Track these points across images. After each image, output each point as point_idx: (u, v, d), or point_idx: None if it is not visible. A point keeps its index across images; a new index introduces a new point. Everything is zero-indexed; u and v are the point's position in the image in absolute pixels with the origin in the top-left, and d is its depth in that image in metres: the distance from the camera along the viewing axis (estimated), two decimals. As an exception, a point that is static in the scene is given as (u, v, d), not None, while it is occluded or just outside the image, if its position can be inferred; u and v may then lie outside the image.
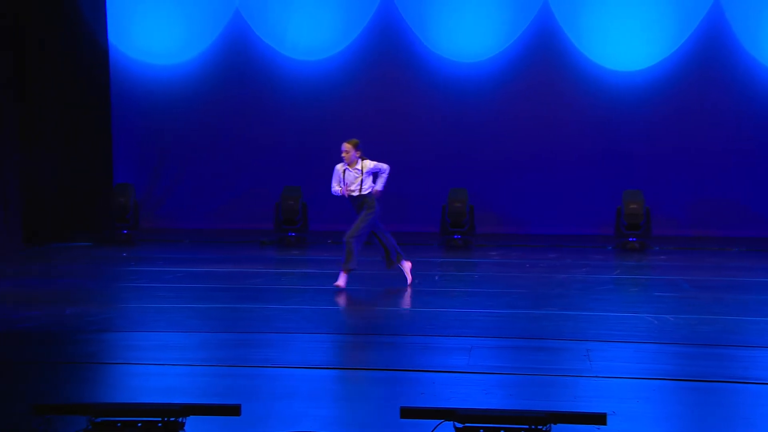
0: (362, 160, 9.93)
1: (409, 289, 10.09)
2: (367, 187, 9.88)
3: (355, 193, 9.85)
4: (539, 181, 14.48)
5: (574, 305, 9.45)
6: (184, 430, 3.96)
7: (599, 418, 4.03)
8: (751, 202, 14.22)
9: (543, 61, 14.41)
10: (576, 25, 14.28)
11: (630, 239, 13.32)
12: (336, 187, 9.97)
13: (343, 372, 7.17)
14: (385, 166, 9.96)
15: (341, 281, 9.81)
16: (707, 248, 13.35)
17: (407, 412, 4.11)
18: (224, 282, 10.65)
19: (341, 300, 9.69)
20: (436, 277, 11.41)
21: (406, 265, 10.13)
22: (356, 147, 9.91)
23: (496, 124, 14.50)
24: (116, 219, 13.71)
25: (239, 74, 14.75)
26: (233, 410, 4.07)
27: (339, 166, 9.98)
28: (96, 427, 3.92)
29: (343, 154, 9.90)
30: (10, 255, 12.26)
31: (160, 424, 3.92)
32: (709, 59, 14.13)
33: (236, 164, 14.84)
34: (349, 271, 9.83)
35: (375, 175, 9.93)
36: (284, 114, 14.73)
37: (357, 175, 9.85)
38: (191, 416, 3.96)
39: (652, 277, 11.50)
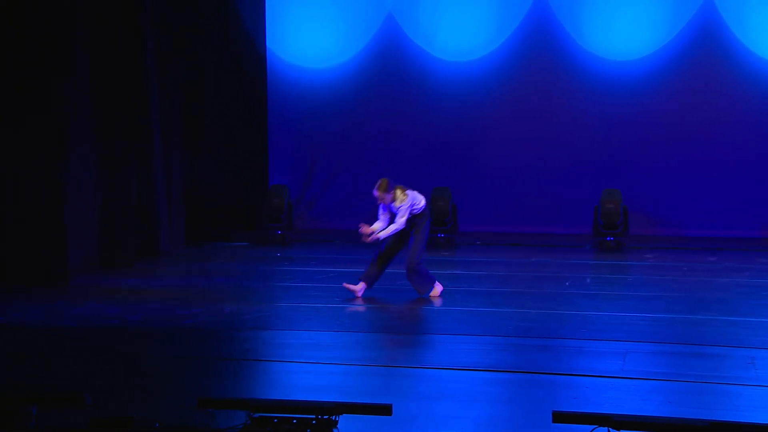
0: (401, 192, 9.59)
1: (561, 291, 9.95)
2: (408, 211, 9.56)
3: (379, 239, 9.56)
4: (698, 182, 14.04)
5: (736, 311, 9.12)
6: (337, 428, 4.01)
7: (764, 430, 3.86)
8: None
9: (705, 58, 13.99)
10: (741, 20, 13.77)
11: (795, 242, 12.75)
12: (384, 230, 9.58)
13: (494, 374, 7.12)
14: (402, 220, 9.57)
15: (435, 293, 9.70)
16: None
17: (560, 417, 4.05)
18: (377, 282, 10.73)
19: (494, 300, 9.63)
20: (588, 280, 11.23)
21: (357, 287, 9.78)
22: (388, 188, 9.61)
23: (653, 124, 14.15)
24: (271, 219, 14.05)
25: (391, 76, 14.89)
26: (385, 410, 4.10)
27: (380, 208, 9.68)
28: (254, 422, 4.02)
29: (379, 202, 9.63)
30: (174, 254, 12.75)
31: (314, 422, 3.99)
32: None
33: (386, 165, 14.93)
34: (425, 293, 9.69)
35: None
36: (434, 115, 14.77)
37: (401, 213, 9.56)
38: (344, 414, 4.01)
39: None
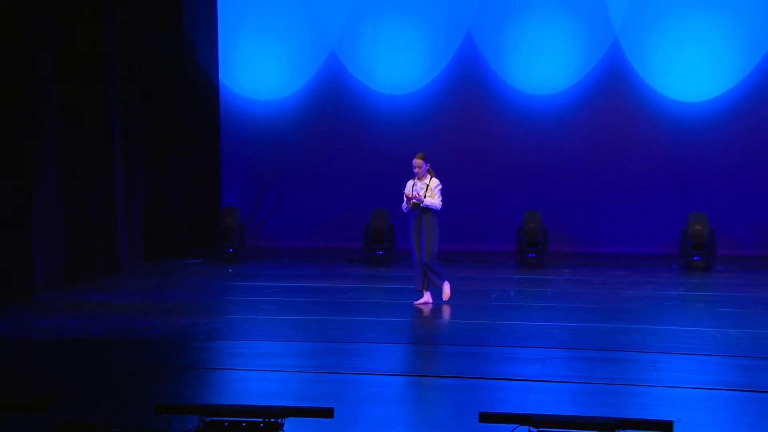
0: (431, 176, 9.75)
1: (488, 303, 10.03)
2: (440, 193, 9.66)
3: (421, 203, 9.62)
4: (609, 204, 14.29)
5: (642, 319, 9.27)
6: (283, 430, 4.01)
7: (666, 426, 3.94)
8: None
9: (614, 93, 14.25)
10: (643, 60, 14.09)
11: (695, 258, 13.02)
12: (407, 195, 9.65)
13: (428, 379, 7.15)
14: (439, 200, 9.65)
15: (445, 293, 9.79)
16: (769, 267, 12.96)
17: (486, 417, 4.09)
18: (319, 296, 10.74)
19: (425, 313, 9.68)
20: (512, 293, 11.33)
21: (424, 299, 9.81)
22: (425, 159, 9.73)
23: (570, 151, 14.37)
24: (224, 239, 13.96)
25: (334, 108, 14.94)
26: (327, 413, 4.10)
27: (410, 182, 9.79)
28: (206, 426, 4.00)
29: (416, 170, 9.69)
30: (134, 270, 12.58)
31: (262, 424, 3.98)
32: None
33: (330, 189, 14.99)
34: (439, 287, 9.79)
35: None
36: (373, 143, 14.84)
37: (423, 189, 9.74)
38: (290, 418, 4.01)
39: (716, 294, 11.21)
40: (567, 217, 14.25)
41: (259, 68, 14.97)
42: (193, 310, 9.79)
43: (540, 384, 6.83)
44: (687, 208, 13.57)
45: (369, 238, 13.84)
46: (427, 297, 9.86)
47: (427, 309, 9.73)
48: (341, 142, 14.92)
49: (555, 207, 14.17)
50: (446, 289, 9.85)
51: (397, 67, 14.69)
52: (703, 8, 13.82)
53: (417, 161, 9.71)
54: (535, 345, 8.06)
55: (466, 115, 14.66)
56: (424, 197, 9.67)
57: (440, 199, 9.69)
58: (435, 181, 9.74)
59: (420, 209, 9.72)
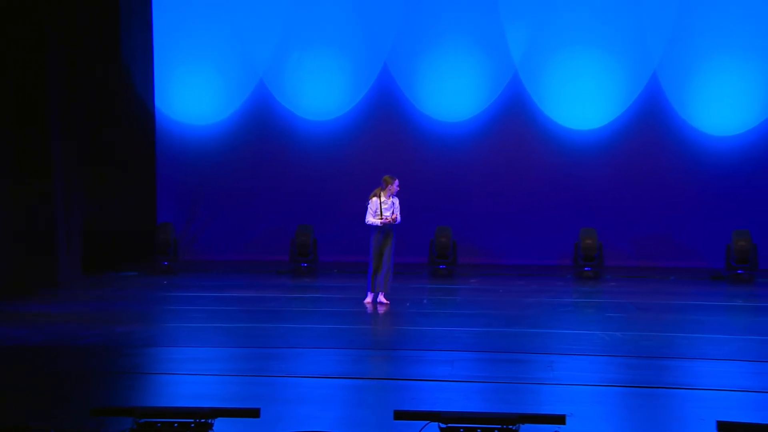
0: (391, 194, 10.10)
1: (402, 310, 10.07)
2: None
3: (396, 222, 10.03)
4: (511, 220, 14.51)
5: (540, 324, 9.43)
6: (212, 430, 3.94)
7: (559, 419, 4.01)
8: (684, 239, 14.26)
9: (514, 121, 14.48)
10: (540, 91, 14.39)
11: (586, 269, 13.32)
12: (375, 219, 9.98)
13: (347, 381, 7.14)
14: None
15: (382, 298, 10.15)
16: (649, 276, 13.33)
17: (399, 415, 4.10)
18: (247, 305, 10.63)
19: (348, 319, 9.66)
20: (425, 301, 11.39)
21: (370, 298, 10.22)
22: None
23: (476, 173, 14.54)
24: (159, 252, 13.70)
25: (262, 132, 14.84)
26: (254, 413, 4.06)
27: (375, 200, 9.98)
28: (140, 427, 3.91)
29: (396, 189, 10.07)
30: (72, 282, 12.24)
31: (192, 425, 3.91)
32: (649, 119, 14.24)
33: (259, 206, 14.87)
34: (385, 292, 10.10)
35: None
36: (299, 164, 14.78)
37: (391, 207, 9.94)
38: (219, 418, 3.95)
39: (604, 301, 11.48)
40: (474, 232, 14.41)
41: (193, 95, 14.78)
42: (130, 319, 9.58)
43: (449, 384, 6.88)
44: (579, 223, 13.87)
45: (295, 252, 13.77)
46: (382, 297, 10.12)
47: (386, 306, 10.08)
48: (269, 163, 14.83)
49: (463, 223, 14.31)
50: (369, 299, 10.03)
51: (321, 95, 14.69)
52: (592, 46, 14.18)
53: (396, 181, 10.12)
54: (445, 348, 8.12)
55: (383, 139, 14.73)
56: (392, 215, 10.09)
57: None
58: (396, 200, 10.17)
59: (390, 225, 10.08)
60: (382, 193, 10.04)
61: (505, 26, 14.26)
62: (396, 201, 10.10)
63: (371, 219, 9.96)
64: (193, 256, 14.67)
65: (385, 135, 14.69)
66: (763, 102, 13.95)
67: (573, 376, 7.13)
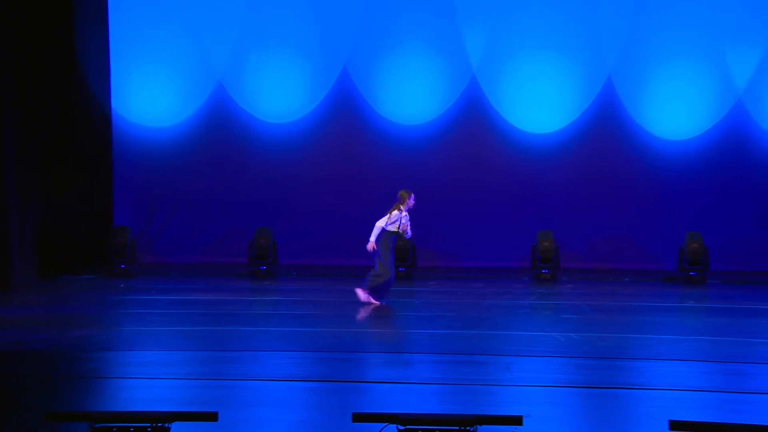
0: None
1: (363, 312, 10.08)
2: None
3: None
4: (470, 223, 14.59)
5: (498, 326, 9.50)
6: (170, 434, 3.91)
7: (516, 420, 4.06)
8: (638, 241, 14.48)
9: (472, 125, 14.58)
10: (498, 96, 14.50)
11: (543, 271, 13.45)
12: (392, 228, 10.30)
13: (306, 384, 7.12)
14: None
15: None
16: (605, 278, 13.51)
17: (358, 417, 4.10)
18: (206, 308, 10.54)
19: (306, 322, 9.64)
20: (384, 303, 11.40)
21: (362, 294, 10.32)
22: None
23: (435, 177, 14.59)
24: (116, 255, 13.53)
25: (221, 134, 14.74)
26: (211, 416, 4.03)
27: (396, 213, 10.35)
28: (95, 433, 3.86)
29: (412, 202, 10.43)
30: (27, 286, 12.04)
31: (149, 429, 3.87)
32: (605, 123, 14.43)
33: (217, 209, 14.77)
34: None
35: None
36: (258, 167, 14.72)
37: (407, 221, 10.37)
38: (176, 422, 3.92)
39: (560, 302, 11.60)
40: (433, 235, 14.46)
41: (151, 97, 14.63)
42: (85, 322, 9.44)
43: (408, 386, 6.90)
44: (536, 226, 14.01)
45: (254, 255, 13.69)
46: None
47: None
48: (228, 165, 14.73)
49: (422, 226, 14.34)
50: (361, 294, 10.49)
51: (280, 97, 14.63)
52: (548, 50, 14.33)
53: (411, 200, 10.48)
54: (404, 350, 8.14)
55: (342, 141, 14.72)
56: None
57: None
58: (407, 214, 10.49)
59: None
60: (401, 207, 10.20)
61: (463, 31, 14.35)
62: (407, 215, 10.41)
63: (390, 227, 10.13)
64: (151, 258, 14.51)
65: (345, 137, 14.69)
66: (714, 106, 14.22)
67: (530, 377, 7.20)
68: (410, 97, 14.51)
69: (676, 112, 14.27)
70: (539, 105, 14.44)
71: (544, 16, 14.23)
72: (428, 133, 14.61)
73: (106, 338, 8.70)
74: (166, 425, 3.89)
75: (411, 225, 10.51)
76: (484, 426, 3.95)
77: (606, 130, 14.43)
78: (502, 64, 14.43)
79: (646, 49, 14.22)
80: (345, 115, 14.65)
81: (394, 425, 3.96)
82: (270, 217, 14.40)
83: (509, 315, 10.23)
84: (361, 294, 10.37)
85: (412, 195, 10.50)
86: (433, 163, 14.57)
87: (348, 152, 14.70)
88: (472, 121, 14.54)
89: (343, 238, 14.65)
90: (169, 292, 11.75)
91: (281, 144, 14.68)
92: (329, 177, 14.70)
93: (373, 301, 10.36)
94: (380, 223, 10.30)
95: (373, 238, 10.33)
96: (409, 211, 10.43)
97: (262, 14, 14.51)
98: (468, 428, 3.90)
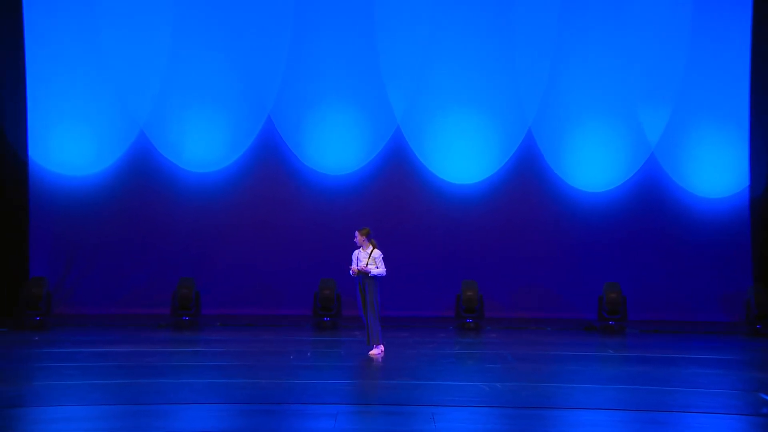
0: (373, 248, 10.27)
1: (285, 363, 9.93)
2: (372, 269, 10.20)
3: (369, 273, 10.14)
4: (395, 273, 14.54)
5: (422, 376, 9.47)
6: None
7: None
8: (560, 291, 14.73)
9: (397, 175, 14.73)
10: (422, 147, 14.71)
11: (467, 320, 13.53)
12: (353, 268, 10.18)
13: (227, 437, 6.93)
14: (382, 267, 10.27)
15: (376, 351, 10.26)
16: (527, 327, 13.66)
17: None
18: (124, 360, 10.23)
19: (229, 373, 9.44)
20: (308, 353, 11.28)
21: (377, 351, 10.35)
22: (365, 234, 10.33)
23: (358, 226, 14.50)
24: (30, 307, 13.07)
25: (143, 182, 14.51)
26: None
27: (355, 252, 10.31)
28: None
29: (357, 242, 10.31)
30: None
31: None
32: (526, 174, 14.76)
33: (139, 259, 14.47)
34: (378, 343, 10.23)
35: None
36: (181, 216, 14.52)
37: (365, 258, 10.10)
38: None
39: (485, 352, 11.66)
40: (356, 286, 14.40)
41: (70, 145, 14.35)
42: (-5, 377, 9.03)
43: (331, 438, 6.79)
44: (460, 276, 14.13)
45: (176, 305, 13.42)
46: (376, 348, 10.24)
47: (379, 357, 10.11)
48: (150, 214, 14.48)
49: (347, 275, 14.31)
50: (376, 351, 10.28)
51: (204, 146, 14.53)
52: (470, 104, 14.64)
53: (359, 236, 10.35)
54: (329, 401, 8.03)
55: (266, 191, 14.67)
56: (367, 266, 10.22)
57: (384, 267, 10.30)
58: (377, 252, 10.35)
59: (363, 276, 10.23)
60: (371, 242, 10.29)
61: (387, 83, 14.57)
62: (374, 253, 10.30)
63: (373, 270, 10.14)
64: (69, 309, 14.09)
65: (269, 187, 14.64)
66: (629, 160, 14.70)
67: (454, 428, 7.16)
68: (335, 147, 14.60)
69: (593, 164, 14.71)
70: (462, 156, 14.69)
71: (466, 73, 14.57)
72: (353, 182, 14.68)
73: (17, 394, 8.33)
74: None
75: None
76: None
77: (527, 181, 14.75)
78: (425, 116, 14.67)
79: (564, 104, 14.67)
80: (269, 164, 14.63)
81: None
82: (193, 267, 14.18)
83: (433, 364, 10.21)
84: (375, 352, 10.30)
85: (356, 232, 10.49)
86: (358, 212, 14.61)
87: (272, 202, 14.64)
88: (397, 171, 14.69)
89: (267, 288, 14.52)
90: (86, 344, 11.37)
91: (205, 193, 14.53)
92: (253, 227, 14.59)
93: (381, 347, 10.32)
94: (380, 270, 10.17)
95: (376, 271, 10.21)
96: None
97: (185, 63, 14.45)
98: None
